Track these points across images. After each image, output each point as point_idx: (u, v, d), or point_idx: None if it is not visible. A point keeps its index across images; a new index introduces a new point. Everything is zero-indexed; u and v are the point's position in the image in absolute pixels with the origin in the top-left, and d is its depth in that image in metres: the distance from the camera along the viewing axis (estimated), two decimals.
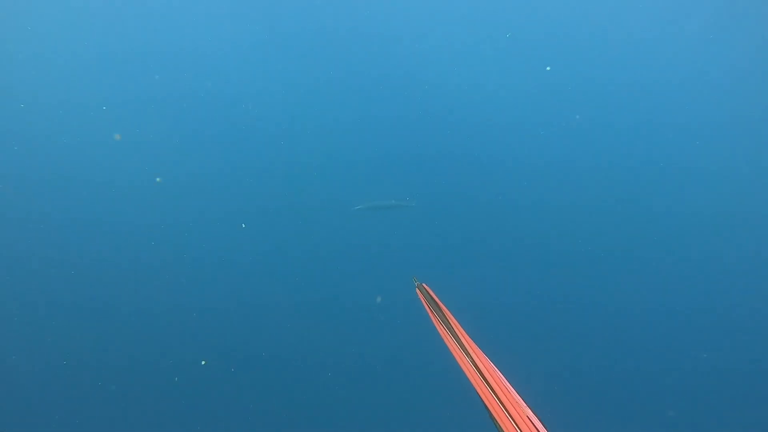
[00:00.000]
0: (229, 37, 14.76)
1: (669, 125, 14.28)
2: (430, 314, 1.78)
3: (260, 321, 10.45)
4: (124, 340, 10.03)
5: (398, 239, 11.56)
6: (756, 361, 10.30)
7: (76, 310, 10.41)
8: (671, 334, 10.68)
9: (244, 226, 11.61)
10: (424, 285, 1.93)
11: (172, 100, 13.73)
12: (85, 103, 13.19)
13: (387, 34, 15.38)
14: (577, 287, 11.19)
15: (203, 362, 9.66)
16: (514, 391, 1.39)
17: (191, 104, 13.77)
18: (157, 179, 12.20)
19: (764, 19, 14.57)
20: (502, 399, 1.34)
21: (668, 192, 13.19)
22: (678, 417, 9.48)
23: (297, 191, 12.49)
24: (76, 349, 9.87)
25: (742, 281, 11.57)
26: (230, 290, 10.84)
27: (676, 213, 12.71)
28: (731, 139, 14.05)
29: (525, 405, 1.34)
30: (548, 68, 14.96)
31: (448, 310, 1.76)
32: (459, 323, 1.69)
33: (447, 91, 14.83)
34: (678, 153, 13.86)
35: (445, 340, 1.66)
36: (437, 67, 15.22)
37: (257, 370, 9.85)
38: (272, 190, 12.60)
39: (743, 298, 11.22)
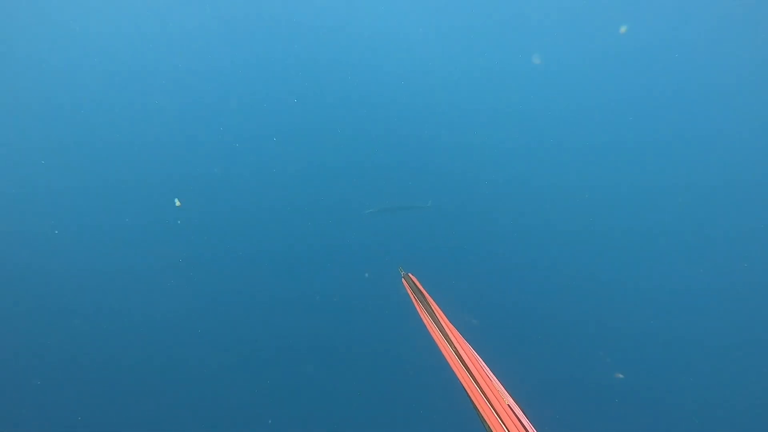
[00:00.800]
0: (244, 45, 14.97)
1: (666, 135, 14.45)
2: (415, 303, 1.77)
3: (258, 319, 10.53)
4: (122, 340, 10.01)
5: (394, 238, 11.63)
6: (747, 368, 10.36)
7: (75, 311, 10.38)
8: (656, 327, 10.78)
9: (178, 203, 11.70)
10: (410, 275, 1.92)
11: (190, 110, 13.95)
12: (87, 106, 13.32)
13: (397, 41, 15.55)
14: (564, 287, 11.30)
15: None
16: (495, 379, 1.38)
17: (207, 112, 14.01)
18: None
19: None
20: (482, 387, 1.33)
21: (656, 199, 13.33)
22: (659, 413, 9.55)
23: (301, 195, 12.68)
24: (75, 350, 9.85)
25: (733, 290, 11.66)
26: (232, 290, 10.93)
27: (661, 221, 12.87)
28: (732, 149, 14.19)
29: (506, 393, 1.33)
30: (537, 61, 15.12)
31: (433, 300, 1.75)
32: (443, 312, 1.68)
33: (449, 98, 15.02)
34: (674, 165, 13.99)
35: (429, 329, 1.65)
36: (436, 76, 15.38)
37: (252, 366, 9.89)
38: (279, 193, 12.77)
39: (734, 305, 11.32)
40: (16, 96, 13.08)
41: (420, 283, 1.92)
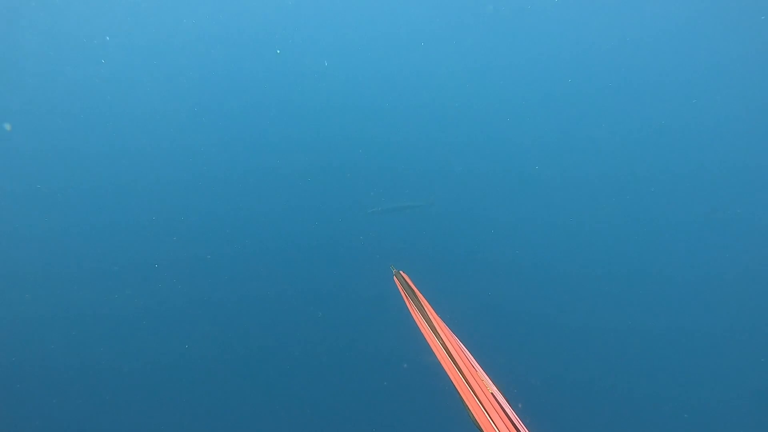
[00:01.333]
0: (253, 46, 15.09)
1: (662, 134, 14.51)
2: (406, 300, 1.84)
3: (251, 318, 10.57)
4: (121, 340, 10.04)
5: (388, 236, 11.70)
6: (746, 369, 10.40)
7: (72, 311, 10.41)
8: (652, 327, 10.85)
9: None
10: (401, 272, 1.99)
11: (189, 110, 14.03)
12: (89, 104, 13.39)
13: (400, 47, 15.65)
14: (558, 286, 11.39)
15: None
16: (480, 369, 1.46)
17: (205, 112, 14.09)
18: None
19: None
20: (466, 375, 1.40)
21: (653, 199, 13.40)
22: (657, 414, 9.61)
23: (298, 194, 12.74)
24: (72, 350, 9.87)
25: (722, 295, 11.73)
26: (226, 289, 10.97)
27: (659, 222, 12.94)
28: (730, 146, 14.25)
29: (490, 382, 1.40)
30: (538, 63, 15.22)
31: (424, 297, 1.81)
32: (434, 309, 1.75)
33: (443, 97, 15.09)
34: (671, 166, 14.05)
35: (419, 325, 1.71)
36: (437, 78, 15.47)
37: (247, 364, 9.94)
38: (275, 193, 12.84)
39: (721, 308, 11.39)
40: (17, 96, 13.13)
41: (412, 280, 1.99)
